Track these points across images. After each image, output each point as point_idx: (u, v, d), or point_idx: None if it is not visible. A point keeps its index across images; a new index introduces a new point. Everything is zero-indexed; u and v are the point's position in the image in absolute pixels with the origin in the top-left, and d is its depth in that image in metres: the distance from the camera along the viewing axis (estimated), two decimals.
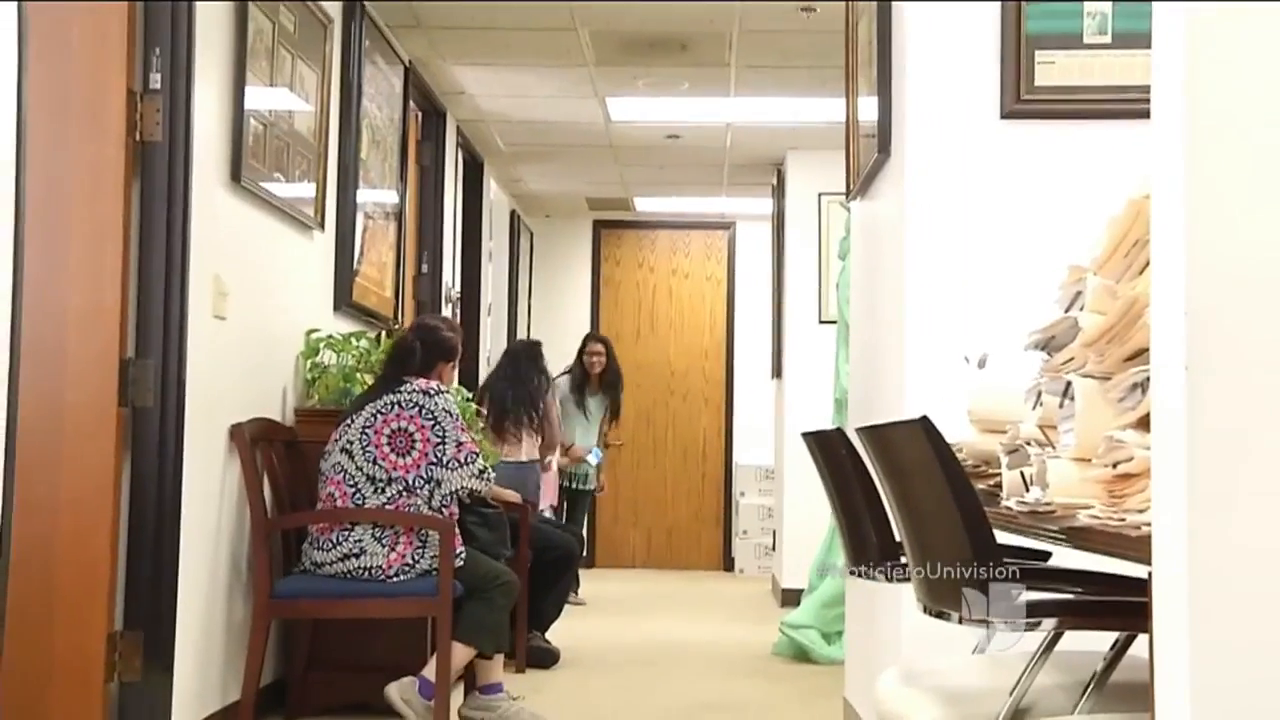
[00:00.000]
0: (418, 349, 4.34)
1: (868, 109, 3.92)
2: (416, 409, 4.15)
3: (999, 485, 2.12)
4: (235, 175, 4.04)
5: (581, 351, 7.89)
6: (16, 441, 3.20)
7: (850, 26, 4.29)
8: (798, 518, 7.52)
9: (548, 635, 5.70)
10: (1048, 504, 1.72)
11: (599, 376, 7.82)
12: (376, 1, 5.52)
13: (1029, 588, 2.18)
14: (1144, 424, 1.54)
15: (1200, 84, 1.31)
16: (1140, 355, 1.62)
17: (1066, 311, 1.90)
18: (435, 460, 4.15)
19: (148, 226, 3.64)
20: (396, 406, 4.15)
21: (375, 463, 4.12)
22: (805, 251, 7.87)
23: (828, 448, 2.58)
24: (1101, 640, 2.12)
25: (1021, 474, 2.00)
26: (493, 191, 8.75)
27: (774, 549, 8.42)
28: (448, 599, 4.01)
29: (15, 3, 2.94)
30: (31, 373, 3.55)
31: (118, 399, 3.56)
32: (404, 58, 6.19)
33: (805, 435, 2.73)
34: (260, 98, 4.25)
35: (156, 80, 3.62)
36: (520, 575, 4.86)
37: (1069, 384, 1.76)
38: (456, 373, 4.59)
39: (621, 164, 8.70)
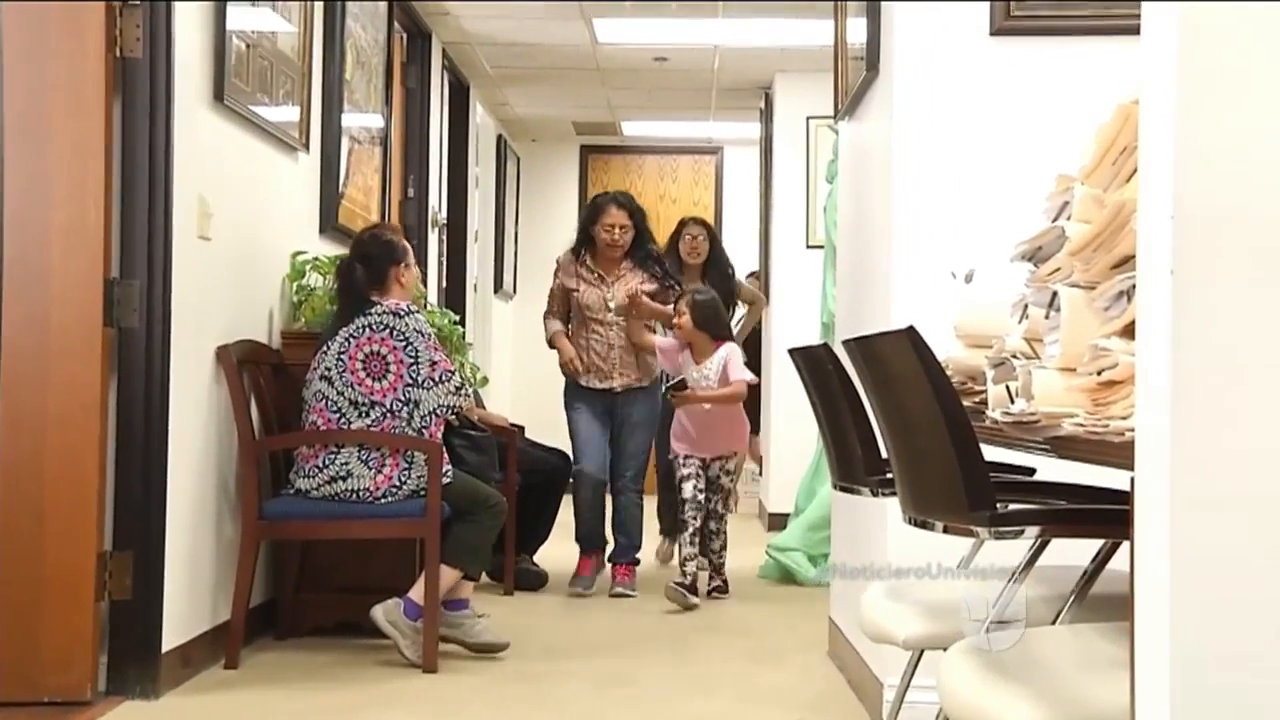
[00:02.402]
0: (357, 267, 4.28)
1: (856, 30, 3.89)
2: (387, 330, 4.13)
3: (985, 401, 2.13)
4: (219, 94, 4.00)
5: (676, 239, 6.33)
6: (2, 361, 3.21)
7: None
8: (784, 443, 7.56)
9: (535, 558, 5.74)
10: (1032, 414, 1.73)
11: (701, 267, 6.26)
12: None
13: (1014, 500, 2.20)
14: (1129, 332, 1.54)
15: None
16: (1127, 262, 1.61)
17: (1054, 222, 1.90)
18: (411, 381, 4.14)
19: (130, 144, 3.60)
20: (368, 330, 4.13)
21: (353, 387, 4.11)
22: (793, 176, 7.84)
23: (814, 363, 2.59)
24: (1083, 556, 2.14)
25: (1007, 388, 2.00)
26: (479, 115, 8.68)
27: (761, 475, 8.47)
28: (435, 520, 4.03)
29: None
30: (15, 292, 3.55)
31: (103, 319, 3.55)
32: None
33: (792, 351, 2.74)
34: (243, 17, 4.19)
35: None
36: (509, 498, 4.89)
37: (1055, 294, 1.76)
38: (415, 270, 4.48)
39: (609, 87, 8.63)
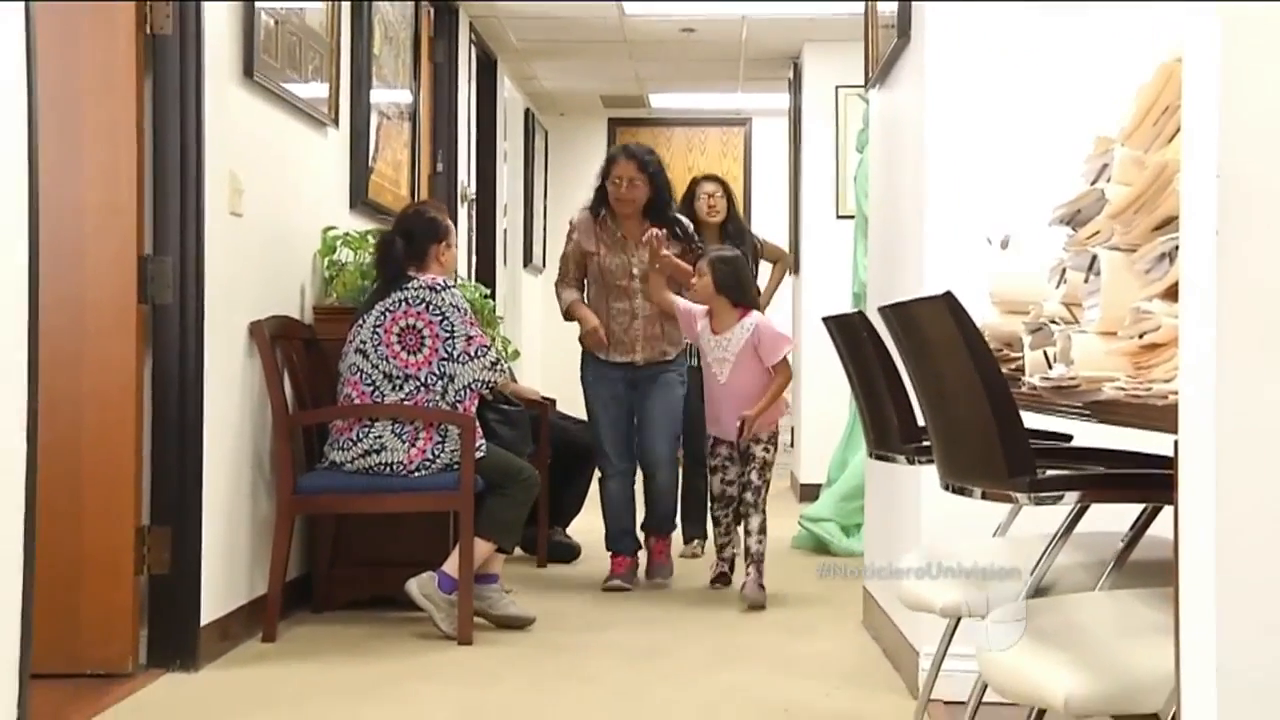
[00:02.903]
0: (398, 241, 4.29)
1: None
2: (424, 305, 4.14)
3: (1021, 369, 2.11)
4: (248, 71, 4.00)
5: (690, 199, 5.91)
6: (40, 338, 3.21)
7: None
8: (816, 414, 7.54)
9: (569, 531, 5.75)
10: (1072, 379, 1.71)
11: (720, 227, 5.86)
12: None
13: (1052, 466, 2.18)
14: (1171, 294, 1.53)
15: None
16: (1168, 224, 1.59)
17: (1093, 184, 1.88)
18: (446, 355, 4.15)
19: (161, 122, 3.61)
20: (404, 304, 4.14)
21: (388, 360, 4.13)
22: (823, 146, 7.79)
23: (849, 331, 2.57)
24: (1121, 523, 2.12)
25: (1045, 353, 1.99)
26: (507, 90, 8.66)
27: (792, 445, 8.45)
28: (469, 493, 4.04)
29: None
30: (50, 271, 3.54)
31: (137, 296, 3.56)
32: None
33: (826, 319, 2.72)
34: None
35: None
36: (541, 471, 4.89)
37: (1094, 257, 1.74)
38: (455, 251, 4.50)
39: (636, 60, 8.59)
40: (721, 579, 4.94)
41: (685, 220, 5.26)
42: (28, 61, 2.95)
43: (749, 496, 4.79)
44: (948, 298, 1.77)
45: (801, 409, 7.83)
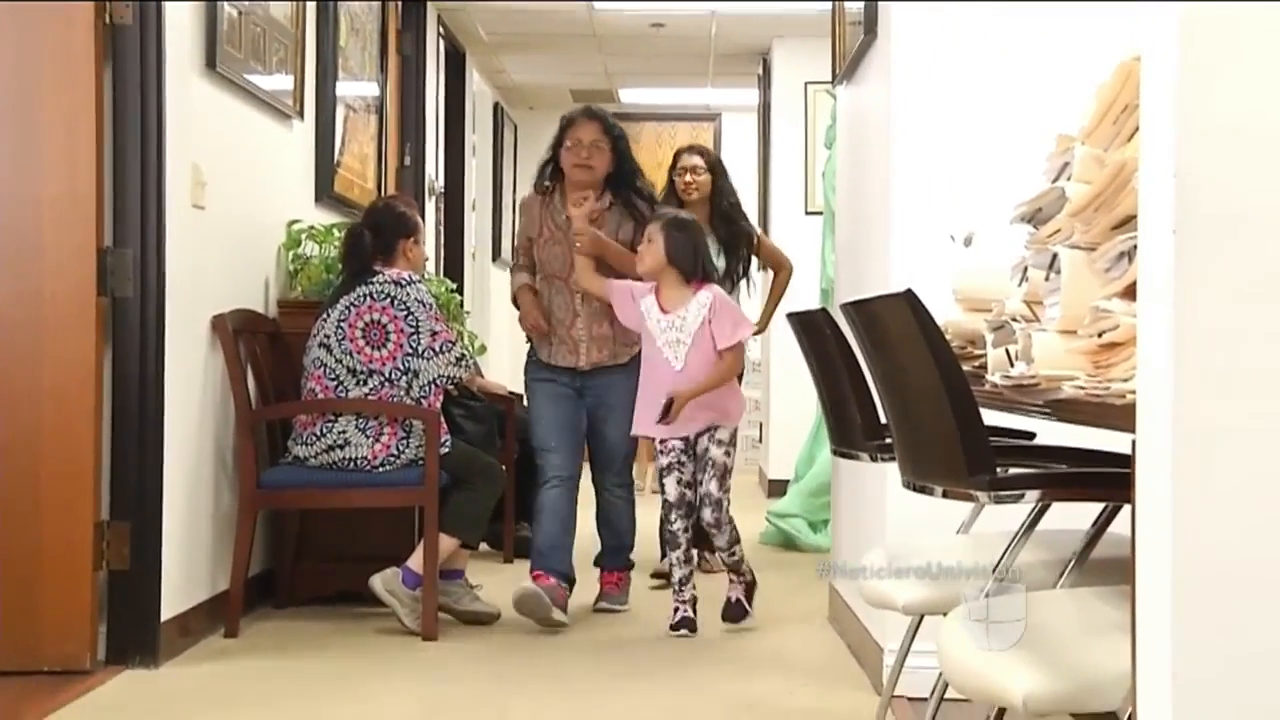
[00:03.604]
0: (366, 235, 4.26)
1: None
2: (389, 300, 4.11)
3: (984, 366, 2.11)
4: (210, 62, 3.96)
5: (671, 175, 5.12)
6: None
7: None
8: (784, 409, 7.54)
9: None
10: (1032, 377, 1.71)
11: (708, 209, 4.99)
12: None
13: (1014, 465, 2.18)
14: (1130, 293, 1.52)
15: None
16: (1128, 223, 1.59)
17: (1054, 183, 1.88)
18: (411, 350, 4.12)
19: (121, 113, 3.57)
20: (369, 299, 4.11)
21: (352, 355, 4.10)
22: (791, 142, 7.79)
23: (813, 328, 2.57)
24: (1083, 521, 2.13)
25: (1007, 351, 1.99)
26: (475, 83, 8.62)
27: (760, 441, 8.46)
28: (433, 488, 4.02)
29: None
30: (8, 263, 3.53)
31: (96, 289, 3.52)
32: None
33: (790, 316, 2.72)
34: None
35: None
36: (507, 467, 4.87)
37: (1055, 255, 1.74)
38: (423, 248, 4.47)
39: (605, 54, 8.57)
40: (685, 624, 4.12)
41: (653, 197, 4.49)
42: None
43: (708, 514, 4.05)
44: (908, 295, 1.77)
45: (770, 404, 7.84)
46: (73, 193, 3.52)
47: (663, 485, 4.18)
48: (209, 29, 3.94)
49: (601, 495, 4.48)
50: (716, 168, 5.10)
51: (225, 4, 4.04)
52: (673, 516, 4.16)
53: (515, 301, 4.47)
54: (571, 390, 4.36)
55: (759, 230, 5.26)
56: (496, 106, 9.42)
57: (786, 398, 7.45)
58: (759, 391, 8.22)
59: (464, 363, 4.23)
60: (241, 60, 4.20)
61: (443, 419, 4.14)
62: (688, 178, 5.04)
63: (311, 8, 4.96)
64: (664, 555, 4.59)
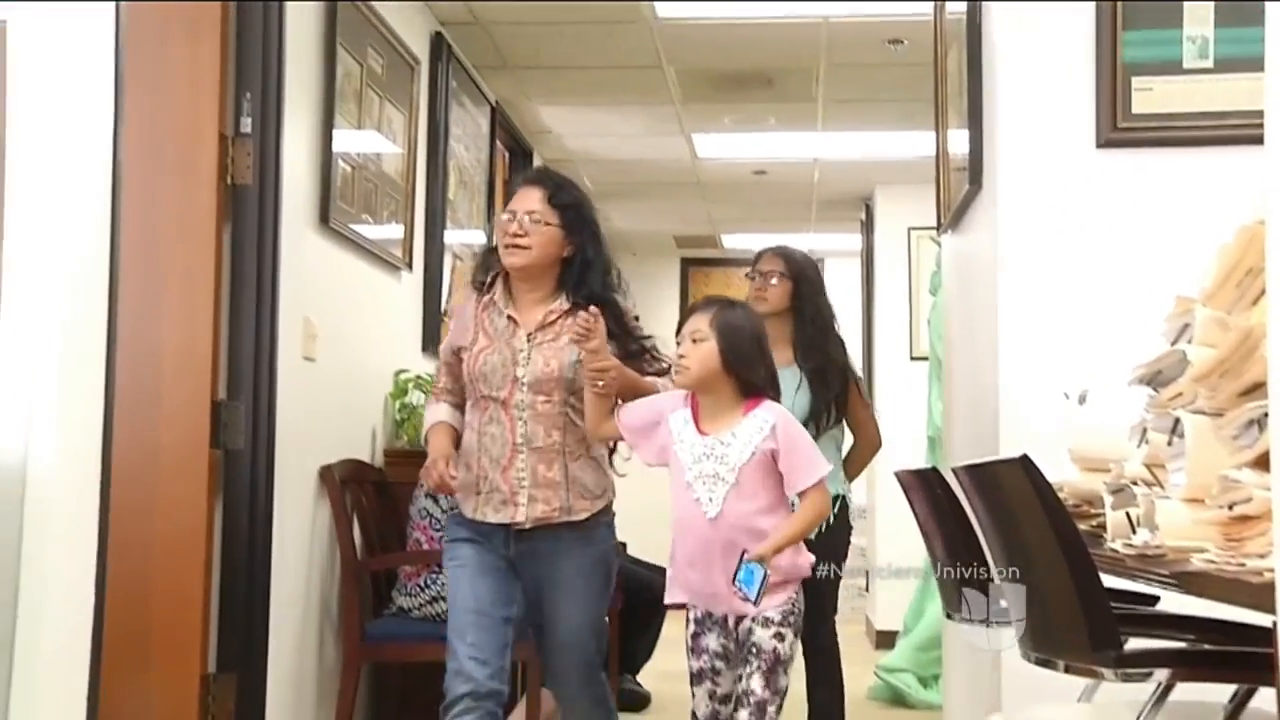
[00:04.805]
0: None
1: (958, 141, 3.85)
2: None
3: (1102, 526, 2.04)
4: (324, 217, 4.07)
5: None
6: (112, 481, 3.25)
7: (939, 58, 4.23)
8: (892, 557, 7.38)
9: (639, 678, 5.64)
10: (1158, 547, 1.64)
11: (789, 325, 3.97)
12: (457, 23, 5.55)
13: (1138, 634, 2.09)
14: (1262, 463, 1.46)
15: None
16: (1256, 390, 1.54)
17: (1173, 345, 1.83)
18: None
19: (239, 269, 3.67)
20: None
21: None
22: (895, 287, 7.78)
23: (923, 487, 2.51)
24: (1219, 688, 2.02)
25: (1127, 514, 1.92)
26: None
27: (867, 590, 8.28)
28: (537, 642, 3.96)
29: (113, 48, 2.99)
30: (128, 413, 3.60)
31: (210, 441, 3.59)
32: (490, 98, 6.22)
33: (899, 474, 2.66)
34: (349, 140, 4.28)
35: (248, 124, 3.66)
36: (611, 618, 4.81)
37: (1178, 421, 1.69)
38: None
39: (708, 201, 8.68)
40: None
41: (624, 301, 3.30)
42: (113, 210, 3.03)
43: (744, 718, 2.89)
44: (1025, 462, 1.72)
45: (877, 553, 7.69)
46: (190, 346, 3.61)
47: (693, 692, 3.03)
48: (323, 186, 4.06)
49: (566, 709, 3.33)
50: (802, 275, 4.03)
51: (340, 161, 4.17)
52: None
53: (426, 443, 3.28)
54: (501, 560, 3.16)
55: (858, 374, 4.17)
56: None
57: (894, 545, 7.30)
58: (864, 539, 8.07)
59: None
60: (353, 214, 4.32)
61: None
62: (763, 285, 4.01)
63: (422, 162, 5.09)
64: None
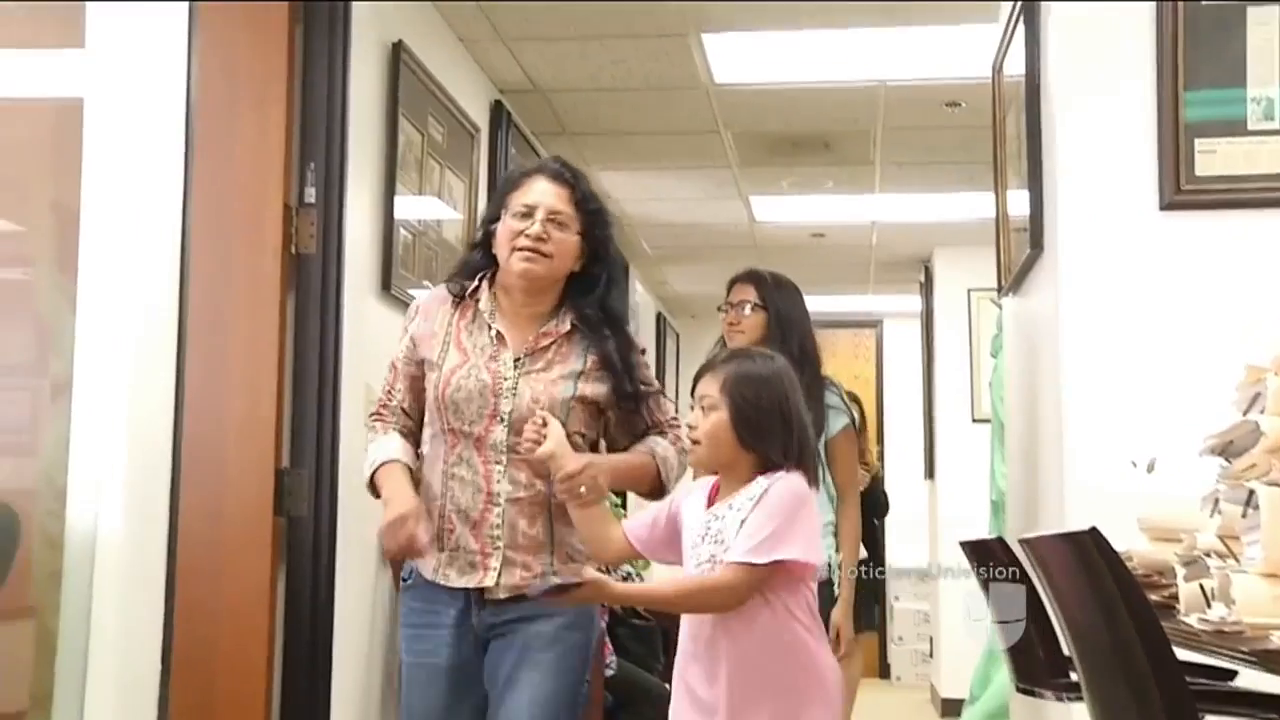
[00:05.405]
0: None
1: (1018, 203, 3.83)
2: None
3: (1174, 598, 2.00)
4: (386, 284, 4.11)
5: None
6: (178, 548, 3.29)
7: (998, 120, 4.22)
8: (956, 622, 7.28)
9: None
10: (1235, 622, 1.61)
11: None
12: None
13: (1215, 711, 2.04)
14: None
15: None
16: None
17: (1245, 414, 1.80)
18: None
19: (302, 336, 3.72)
20: None
21: None
22: (956, 348, 7.74)
23: (988, 558, 2.47)
24: None
25: (1201, 587, 1.88)
26: (638, 293, 8.80)
27: (932, 656, 8.17)
28: (598, 712, 3.94)
29: (183, 120, 3.06)
30: (194, 481, 3.64)
31: (273, 508, 3.61)
32: None
33: (964, 544, 2.63)
34: (410, 207, 4.34)
35: (311, 194, 3.72)
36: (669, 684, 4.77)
37: (1252, 493, 1.65)
38: None
39: (766, 263, 8.63)
40: None
41: (624, 323, 2.72)
42: (181, 279, 3.08)
43: None
44: (1093, 534, 1.69)
45: (941, 619, 7.59)
46: (254, 414, 3.65)
47: None
48: (385, 253, 4.11)
49: None
50: (777, 301, 3.68)
51: (402, 229, 4.22)
52: None
53: (372, 488, 2.72)
54: (466, 645, 2.61)
55: (853, 416, 3.70)
56: (659, 316, 9.58)
57: (959, 610, 7.21)
58: (928, 604, 7.98)
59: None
60: (414, 280, 4.36)
61: (608, 639, 4.10)
62: (735, 316, 3.67)
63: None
64: None
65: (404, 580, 2.70)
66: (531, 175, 2.66)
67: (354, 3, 3.78)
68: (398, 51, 4.17)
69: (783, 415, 2.45)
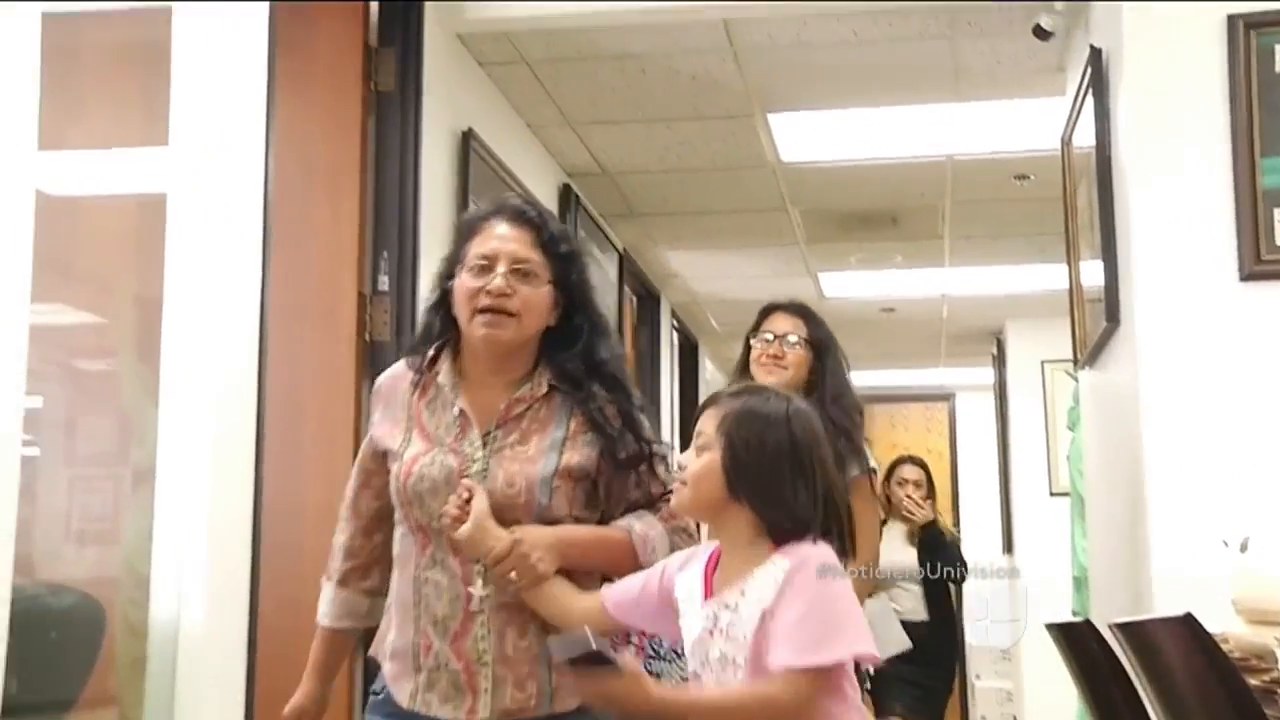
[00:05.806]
0: None
1: (1091, 274, 3.80)
2: None
3: (1275, 682, 1.94)
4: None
5: (750, 335, 3.47)
6: (259, 640, 3.31)
7: (1068, 193, 4.19)
8: (1041, 702, 7.13)
9: None
10: None
11: (805, 383, 3.32)
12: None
13: None
14: None
15: None
16: None
17: None
18: (653, 654, 4.04)
19: None
20: None
21: None
22: (1031, 421, 7.65)
23: (1076, 641, 2.41)
24: None
25: None
26: (708, 372, 8.80)
27: None
28: None
29: (261, 211, 3.12)
30: (271, 570, 3.66)
31: None
32: (618, 245, 6.33)
33: (1049, 627, 2.57)
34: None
35: (385, 282, 3.76)
36: None
37: None
38: None
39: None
40: None
41: (620, 373, 2.26)
42: (259, 370, 3.13)
43: None
44: (1188, 620, 1.65)
45: (1025, 698, 7.43)
46: (330, 502, 3.63)
47: None
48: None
49: None
50: (826, 345, 3.33)
51: None
52: None
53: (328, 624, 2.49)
54: None
55: (873, 463, 3.33)
56: None
57: (1043, 689, 7.05)
58: (1010, 682, 7.81)
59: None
60: None
61: None
62: (771, 350, 3.26)
63: None
64: None
65: (374, 694, 2.28)
66: (488, 219, 2.22)
67: (425, 94, 3.85)
68: (468, 139, 4.23)
69: (794, 466, 1.96)
